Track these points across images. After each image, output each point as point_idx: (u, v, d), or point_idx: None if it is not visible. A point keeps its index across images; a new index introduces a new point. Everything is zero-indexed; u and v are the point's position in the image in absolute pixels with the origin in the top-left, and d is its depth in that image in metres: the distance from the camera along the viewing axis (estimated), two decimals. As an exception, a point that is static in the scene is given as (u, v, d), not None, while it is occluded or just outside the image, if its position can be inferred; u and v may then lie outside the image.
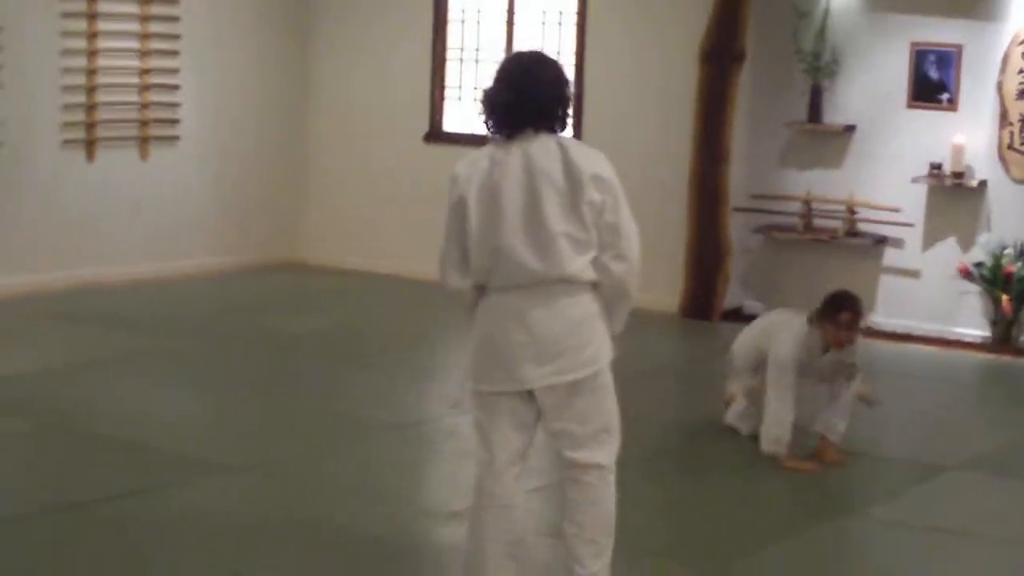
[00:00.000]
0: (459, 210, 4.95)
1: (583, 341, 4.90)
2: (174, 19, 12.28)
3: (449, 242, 5.02)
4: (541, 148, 4.87)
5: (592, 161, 4.89)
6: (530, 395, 4.96)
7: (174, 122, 12.40)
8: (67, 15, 11.55)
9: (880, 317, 11.10)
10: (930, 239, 11.06)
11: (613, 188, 4.89)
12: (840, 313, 7.47)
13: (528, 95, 4.89)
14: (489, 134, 5.02)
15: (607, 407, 5.04)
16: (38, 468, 7.25)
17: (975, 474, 7.67)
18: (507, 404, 4.97)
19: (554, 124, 4.95)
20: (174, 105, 12.39)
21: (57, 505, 6.54)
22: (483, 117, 5.02)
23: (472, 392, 5.06)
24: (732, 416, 8.13)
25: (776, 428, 7.46)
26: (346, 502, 6.76)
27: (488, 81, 5.06)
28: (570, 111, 5.02)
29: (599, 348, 4.95)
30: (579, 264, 4.85)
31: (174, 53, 12.33)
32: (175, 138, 12.43)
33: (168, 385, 8.88)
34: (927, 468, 7.66)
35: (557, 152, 4.86)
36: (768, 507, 7.07)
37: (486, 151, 4.98)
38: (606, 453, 5.06)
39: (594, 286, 4.92)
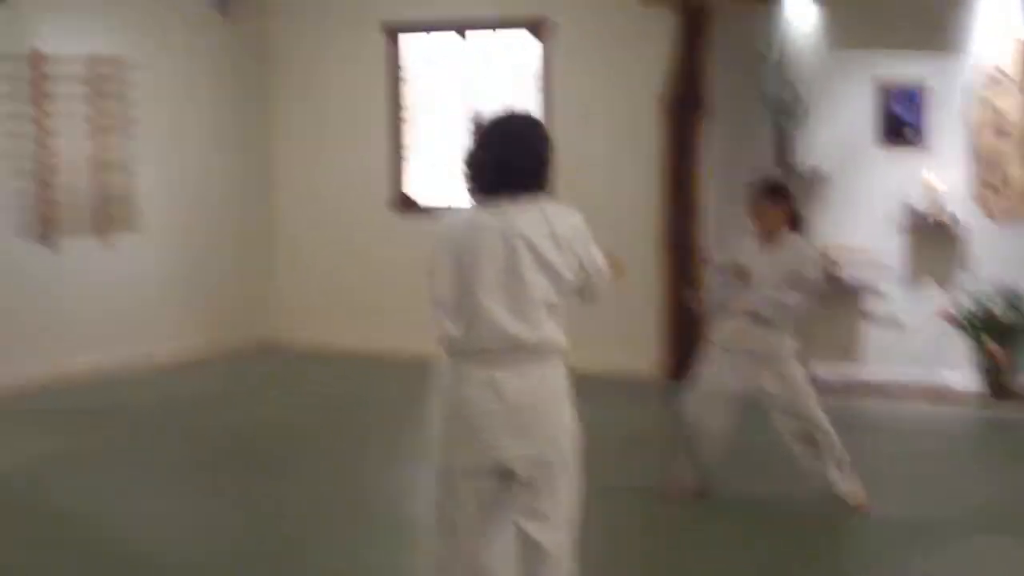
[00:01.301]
0: (433, 267, 4.81)
1: (559, 416, 4.79)
2: (126, 98, 12.01)
3: (435, 295, 4.83)
4: (522, 213, 4.75)
5: (570, 224, 4.82)
6: (499, 474, 4.75)
7: (133, 204, 12.10)
8: (12, 98, 11.25)
9: (863, 366, 10.87)
10: (909, 283, 10.81)
11: (587, 241, 4.87)
12: (756, 198, 7.68)
13: (511, 160, 4.80)
14: (471, 196, 4.88)
15: (575, 485, 4.88)
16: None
17: (967, 533, 7.36)
18: (475, 483, 4.76)
19: (536, 188, 4.82)
20: (131, 187, 12.09)
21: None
22: (466, 180, 4.89)
23: (439, 469, 4.83)
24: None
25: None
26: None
27: (469, 143, 4.93)
28: (551, 175, 4.90)
29: (571, 421, 4.84)
30: (554, 329, 4.76)
31: (128, 133, 12.04)
32: (134, 221, 12.14)
33: (128, 482, 8.55)
34: (916, 529, 7.37)
35: (540, 218, 4.76)
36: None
37: (466, 213, 4.85)
38: (567, 542, 4.86)
39: (563, 353, 4.80)
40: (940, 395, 10.55)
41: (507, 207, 4.76)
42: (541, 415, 4.73)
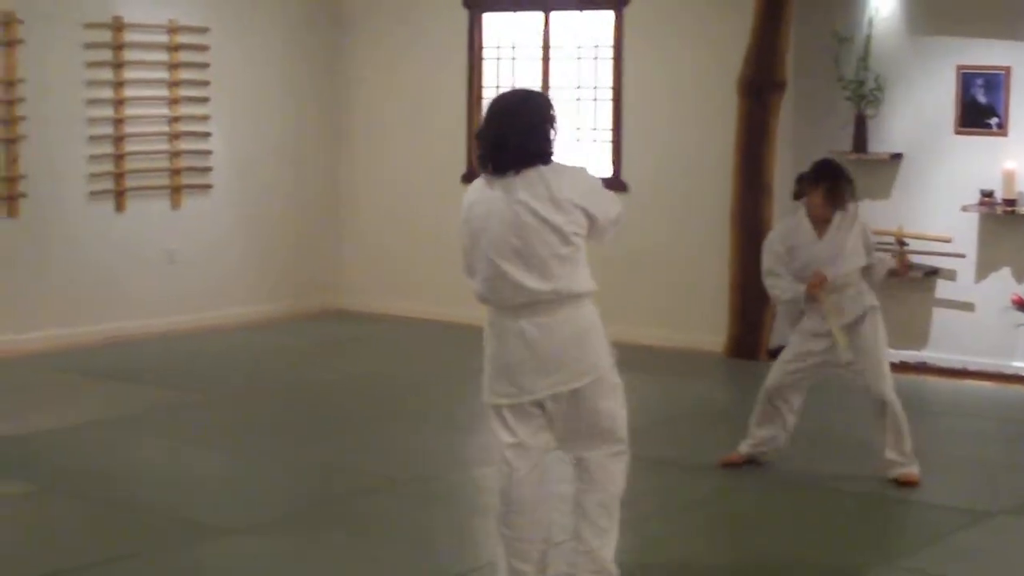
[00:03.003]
0: (461, 241, 5.51)
1: (581, 354, 5.34)
2: (203, 65, 12.09)
3: (465, 264, 5.54)
4: (524, 182, 5.24)
5: (570, 183, 5.29)
6: (537, 408, 5.40)
7: (206, 170, 12.19)
8: (93, 64, 11.38)
9: (933, 352, 10.71)
10: (983, 270, 10.62)
11: (596, 193, 5.36)
12: (816, 184, 7.59)
13: (510, 135, 5.25)
14: (482, 172, 5.43)
15: (611, 408, 5.45)
16: (35, 532, 6.97)
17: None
18: (520, 411, 5.40)
19: (537, 161, 5.28)
20: (205, 153, 12.17)
21: (49, 572, 6.26)
22: (478, 157, 5.43)
23: (489, 404, 5.48)
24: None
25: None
26: (353, 565, 6.45)
27: (481, 123, 5.47)
28: (554, 146, 5.34)
29: (598, 357, 5.38)
30: (567, 276, 5.29)
31: (204, 100, 12.12)
32: (207, 186, 12.22)
33: (187, 442, 8.60)
34: (973, 514, 7.20)
35: (540, 184, 5.24)
36: (797, 559, 6.64)
37: (477, 190, 5.42)
38: (614, 450, 5.49)
39: (591, 296, 5.37)
40: (1009, 382, 10.34)
41: (509, 178, 5.25)
42: (566, 358, 5.32)
